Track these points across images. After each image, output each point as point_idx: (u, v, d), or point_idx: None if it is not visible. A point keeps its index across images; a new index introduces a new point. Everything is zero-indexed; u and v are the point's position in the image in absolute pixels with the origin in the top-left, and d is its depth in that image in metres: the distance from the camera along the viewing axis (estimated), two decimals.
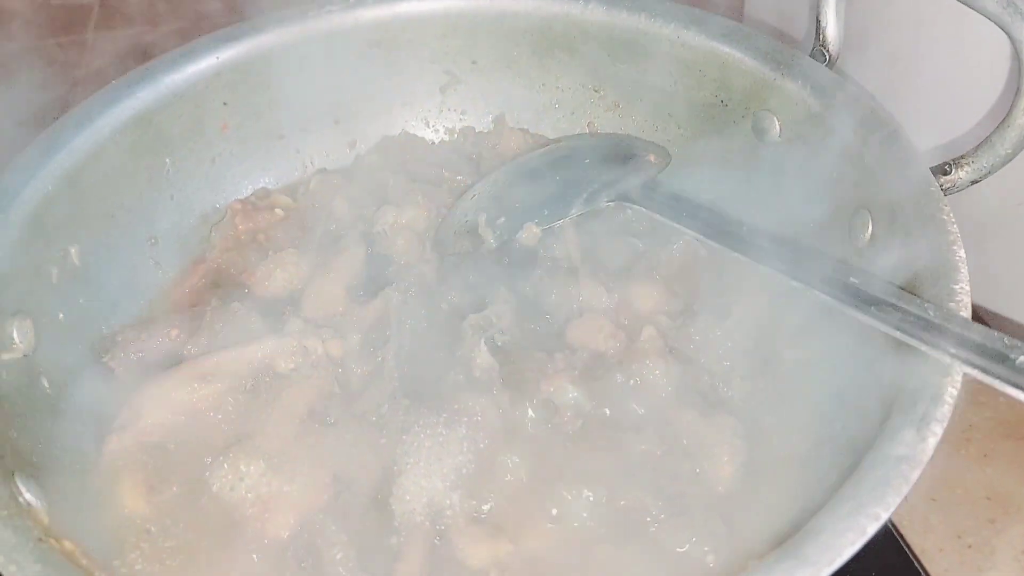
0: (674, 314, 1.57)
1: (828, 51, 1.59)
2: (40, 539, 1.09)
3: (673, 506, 1.32)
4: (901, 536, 1.54)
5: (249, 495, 1.34)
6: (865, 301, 1.24)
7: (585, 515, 1.32)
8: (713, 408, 1.44)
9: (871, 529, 1.00)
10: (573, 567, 1.29)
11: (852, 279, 1.27)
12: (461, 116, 1.97)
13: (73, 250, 1.52)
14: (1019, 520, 1.57)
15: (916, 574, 1.52)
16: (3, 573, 1.04)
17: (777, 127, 1.62)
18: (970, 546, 1.55)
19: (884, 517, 1.01)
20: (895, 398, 1.15)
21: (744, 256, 1.40)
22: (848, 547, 0.99)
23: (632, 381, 1.46)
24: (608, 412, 1.44)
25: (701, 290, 1.60)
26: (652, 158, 1.66)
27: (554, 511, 1.33)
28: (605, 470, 1.36)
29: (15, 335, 1.37)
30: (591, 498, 1.33)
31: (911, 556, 1.54)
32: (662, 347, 1.49)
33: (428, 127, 1.97)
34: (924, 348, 1.15)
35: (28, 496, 1.18)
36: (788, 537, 1.19)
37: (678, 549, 1.29)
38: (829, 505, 1.05)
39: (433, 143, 1.96)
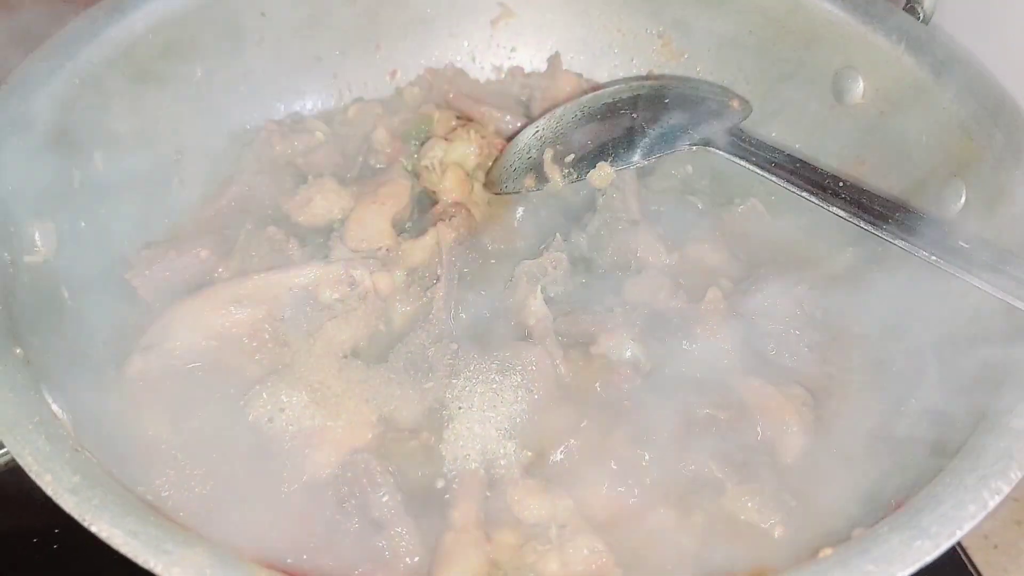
0: (737, 278, 1.50)
1: (923, 6, 1.52)
2: (76, 449, 1.00)
3: (739, 474, 1.26)
4: None
5: (290, 428, 1.27)
6: (977, 267, 1.16)
7: (647, 476, 1.26)
8: (780, 377, 1.37)
9: (992, 503, 0.95)
10: (633, 529, 1.23)
11: (962, 244, 1.19)
12: (511, 53, 1.88)
13: (97, 155, 1.44)
14: None
15: (963, 566, 1.49)
16: (37, 483, 0.95)
17: (861, 87, 1.55)
18: (996, 547, 1.52)
19: (1006, 491, 0.95)
20: (1003, 370, 1.10)
21: (844, 213, 1.31)
22: (969, 520, 0.93)
23: (694, 343, 1.39)
24: (668, 372, 1.37)
25: (767, 254, 1.54)
26: (735, 104, 1.57)
27: (614, 470, 1.26)
28: (667, 431, 1.29)
29: (37, 238, 1.29)
30: (652, 458, 1.27)
31: (958, 546, 1.50)
32: (726, 310, 1.42)
33: (474, 62, 1.88)
34: None
35: (55, 408, 1.08)
36: (862, 515, 1.15)
37: (743, 518, 1.24)
38: (945, 476, 0.98)
39: (479, 80, 1.88)
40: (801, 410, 1.33)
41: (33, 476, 0.96)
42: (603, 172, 1.51)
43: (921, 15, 1.52)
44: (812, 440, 1.32)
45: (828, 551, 0.95)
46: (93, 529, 0.92)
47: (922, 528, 0.92)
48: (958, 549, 1.49)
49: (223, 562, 0.90)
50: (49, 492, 0.95)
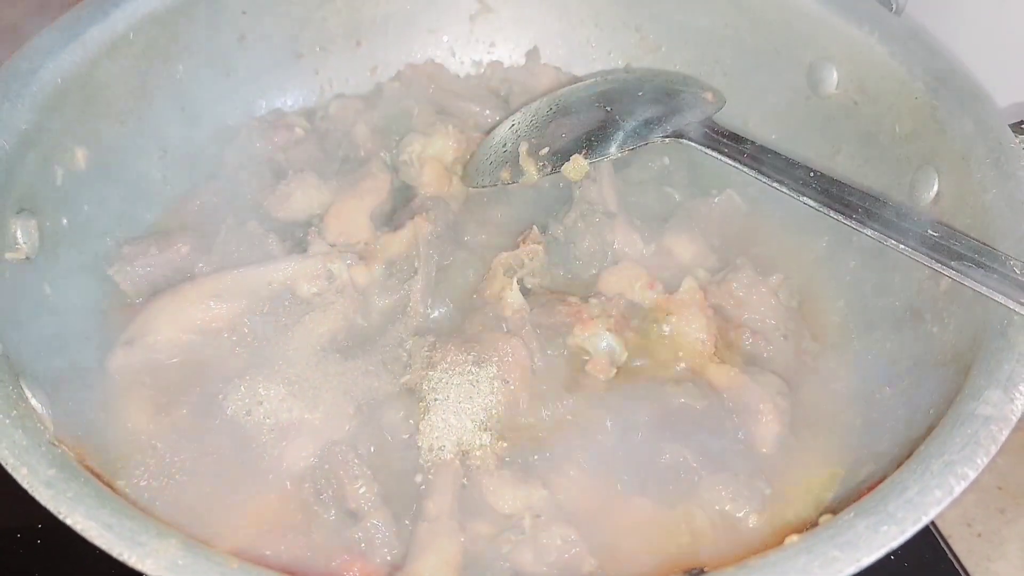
0: (713, 268, 1.51)
1: None
2: (52, 443, 1.01)
3: (714, 463, 1.27)
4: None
5: (268, 420, 1.28)
6: (947, 255, 1.17)
7: (621, 466, 1.27)
8: (755, 366, 1.39)
9: (958, 489, 0.95)
10: (608, 518, 1.24)
11: (931, 232, 1.19)
12: (490, 48, 1.90)
13: (79, 152, 1.44)
14: None
15: (941, 553, 1.48)
16: (13, 476, 0.96)
17: (835, 77, 1.55)
18: (979, 535, 1.52)
19: (972, 477, 0.96)
20: (972, 358, 1.10)
21: (815, 203, 1.31)
22: (934, 506, 0.94)
23: (670, 333, 1.41)
24: (644, 362, 1.39)
25: (743, 245, 1.55)
26: (709, 96, 1.58)
27: (589, 460, 1.27)
28: (642, 421, 1.30)
29: (19, 235, 1.29)
30: (627, 448, 1.28)
31: (936, 535, 1.50)
32: (702, 300, 1.43)
33: (454, 57, 1.90)
34: (1012, 306, 1.08)
35: (34, 402, 1.10)
36: (835, 504, 1.16)
37: (718, 507, 1.25)
38: (912, 463, 0.99)
39: (458, 75, 1.89)
40: (776, 399, 1.33)
41: (9, 469, 0.97)
42: (577, 165, 1.51)
43: (893, 6, 1.53)
44: (787, 428, 1.33)
45: (795, 538, 0.95)
46: (68, 521, 0.93)
47: (888, 514, 0.93)
48: (939, 538, 1.49)
49: (195, 553, 0.91)
50: (25, 485, 0.95)
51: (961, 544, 1.50)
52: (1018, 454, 1.58)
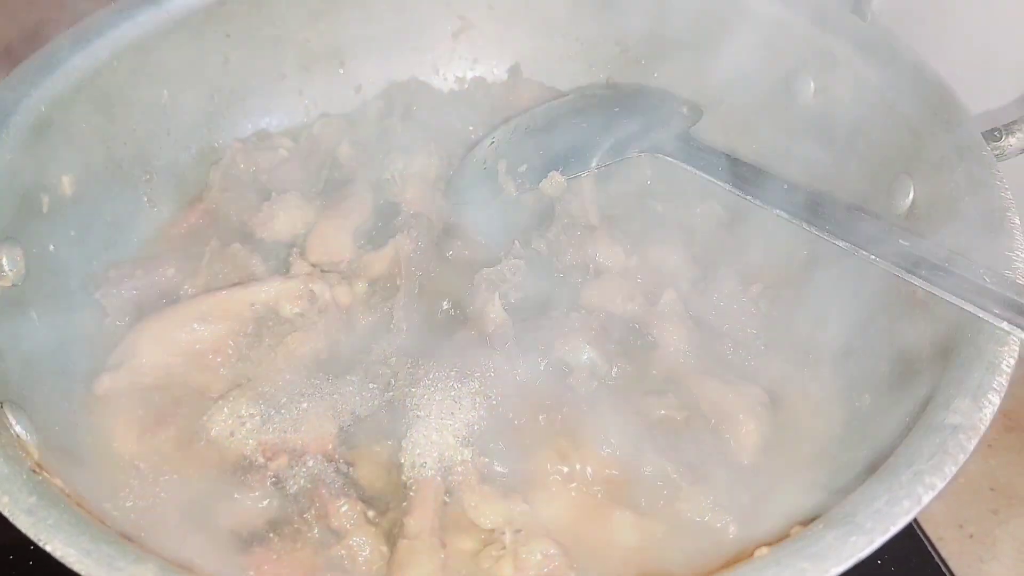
0: (695, 279, 1.52)
1: (870, 7, 1.53)
2: (34, 471, 1.02)
3: (694, 474, 1.28)
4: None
5: (250, 441, 1.29)
6: (916, 264, 1.18)
7: (602, 478, 1.28)
8: (736, 377, 1.39)
9: (926, 499, 0.95)
10: (588, 531, 1.24)
11: (903, 242, 1.20)
12: (473, 64, 1.91)
13: (65, 179, 1.45)
14: (1022, 512, 1.54)
15: (928, 556, 1.48)
16: None
17: (812, 87, 1.56)
18: (972, 536, 1.52)
19: (940, 487, 0.96)
20: (944, 366, 1.11)
21: (787, 215, 1.33)
22: (903, 516, 0.93)
23: (651, 345, 1.42)
24: (625, 375, 1.39)
25: (724, 255, 1.55)
26: (685, 110, 1.60)
27: (569, 473, 1.28)
28: (622, 433, 1.31)
29: (5, 263, 1.30)
30: (608, 461, 1.28)
31: (924, 538, 1.50)
32: (682, 312, 1.44)
33: (437, 74, 1.91)
34: (981, 314, 1.09)
35: (18, 429, 1.11)
36: (813, 513, 1.16)
37: (698, 519, 1.25)
38: (881, 473, 0.99)
39: (442, 92, 1.90)
40: (757, 409, 1.34)
41: None
42: (554, 181, 1.53)
43: (868, 16, 1.54)
44: (769, 439, 1.33)
45: (764, 550, 0.96)
46: (48, 548, 0.94)
47: (856, 524, 0.93)
48: (925, 541, 1.49)
49: None
50: (5, 513, 0.96)
51: (953, 546, 1.50)
52: (1010, 455, 1.59)
